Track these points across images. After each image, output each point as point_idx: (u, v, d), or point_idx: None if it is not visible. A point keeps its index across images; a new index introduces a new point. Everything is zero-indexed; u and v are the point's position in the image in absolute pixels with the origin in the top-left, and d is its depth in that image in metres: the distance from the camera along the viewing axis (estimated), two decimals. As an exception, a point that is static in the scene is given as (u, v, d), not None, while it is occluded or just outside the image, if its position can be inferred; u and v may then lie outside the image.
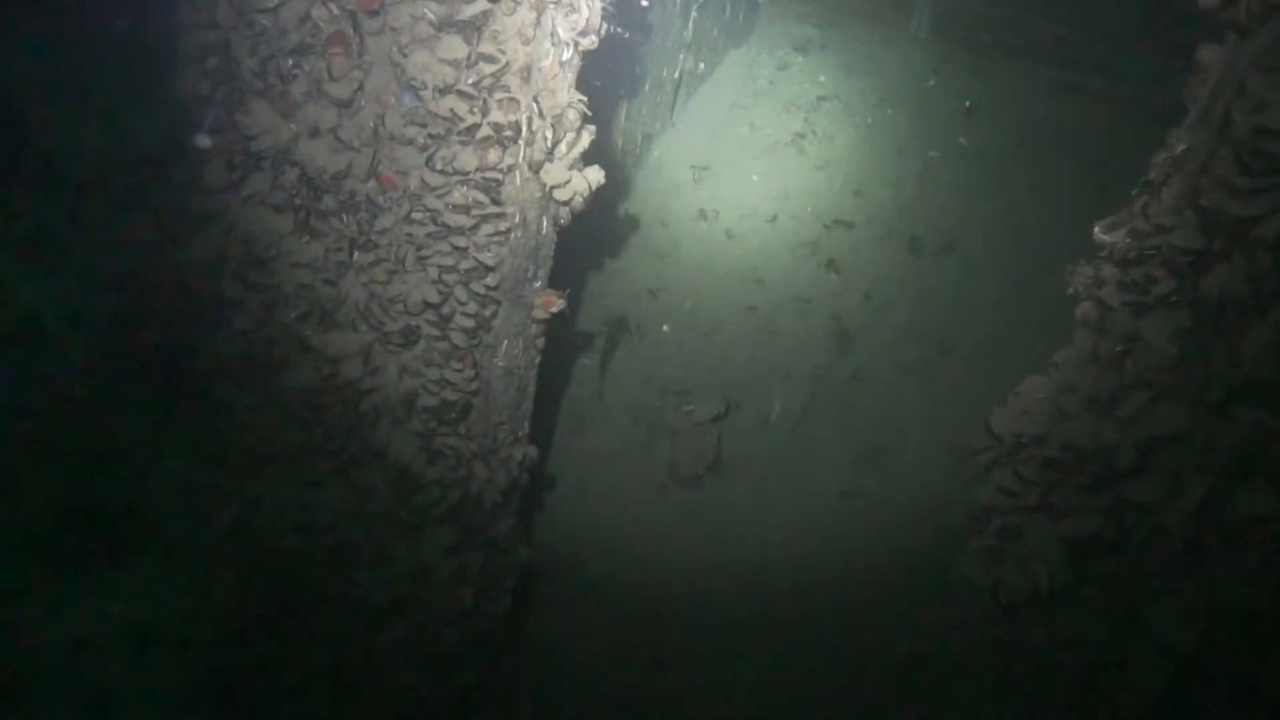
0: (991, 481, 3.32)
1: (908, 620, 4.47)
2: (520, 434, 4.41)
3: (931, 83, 7.34)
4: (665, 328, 6.32)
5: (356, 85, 3.54)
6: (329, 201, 3.68)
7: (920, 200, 6.80)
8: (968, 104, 7.14)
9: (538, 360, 4.28)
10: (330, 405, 3.91)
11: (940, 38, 7.60)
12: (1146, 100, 6.69)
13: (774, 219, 6.78)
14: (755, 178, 6.97)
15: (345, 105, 3.55)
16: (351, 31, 3.47)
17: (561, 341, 5.13)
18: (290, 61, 3.51)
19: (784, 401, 5.92)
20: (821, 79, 7.49)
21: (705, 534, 5.44)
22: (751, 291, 6.45)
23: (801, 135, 7.13)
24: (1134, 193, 3.01)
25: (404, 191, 3.66)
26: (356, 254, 3.84)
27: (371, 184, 3.65)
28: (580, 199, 3.88)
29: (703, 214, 6.81)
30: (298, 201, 3.67)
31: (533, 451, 4.42)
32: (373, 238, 3.75)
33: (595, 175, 3.89)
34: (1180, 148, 2.88)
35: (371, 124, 3.62)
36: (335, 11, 3.44)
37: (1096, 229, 3.05)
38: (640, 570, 5.29)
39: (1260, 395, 2.79)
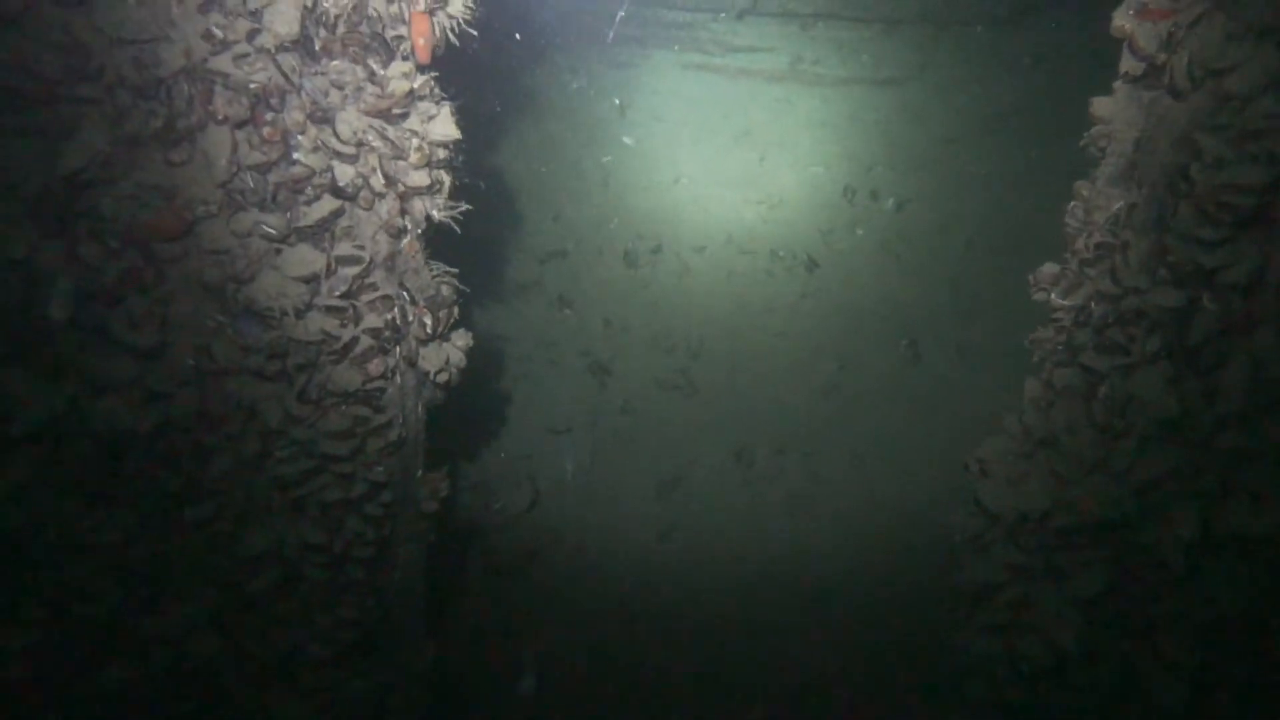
0: (991, 558, 3.22)
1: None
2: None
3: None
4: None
5: (159, 323, 2.73)
6: (134, 463, 2.82)
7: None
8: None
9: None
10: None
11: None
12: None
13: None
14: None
15: (151, 355, 2.74)
16: (144, 263, 2.66)
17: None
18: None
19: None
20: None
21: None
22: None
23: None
24: (1078, 253, 2.95)
25: (252, 426, 2.90)
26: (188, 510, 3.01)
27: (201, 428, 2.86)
28: (456, 372, 3.31)
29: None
30: (90, 475, 2.79)
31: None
32: (207, 486, 2.94)
33: (465, 340, 3.33)
34: (1118, 205, 2.84)
35: (191, 362, 2.83)
36: (115, 246, 2.61)
37: (1053, 296, 2.97)
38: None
39: (1238, 423, 2.84)
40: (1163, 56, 2.62)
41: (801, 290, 7.02)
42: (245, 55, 2.43)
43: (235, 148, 2.57)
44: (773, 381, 6.56)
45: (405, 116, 2.70)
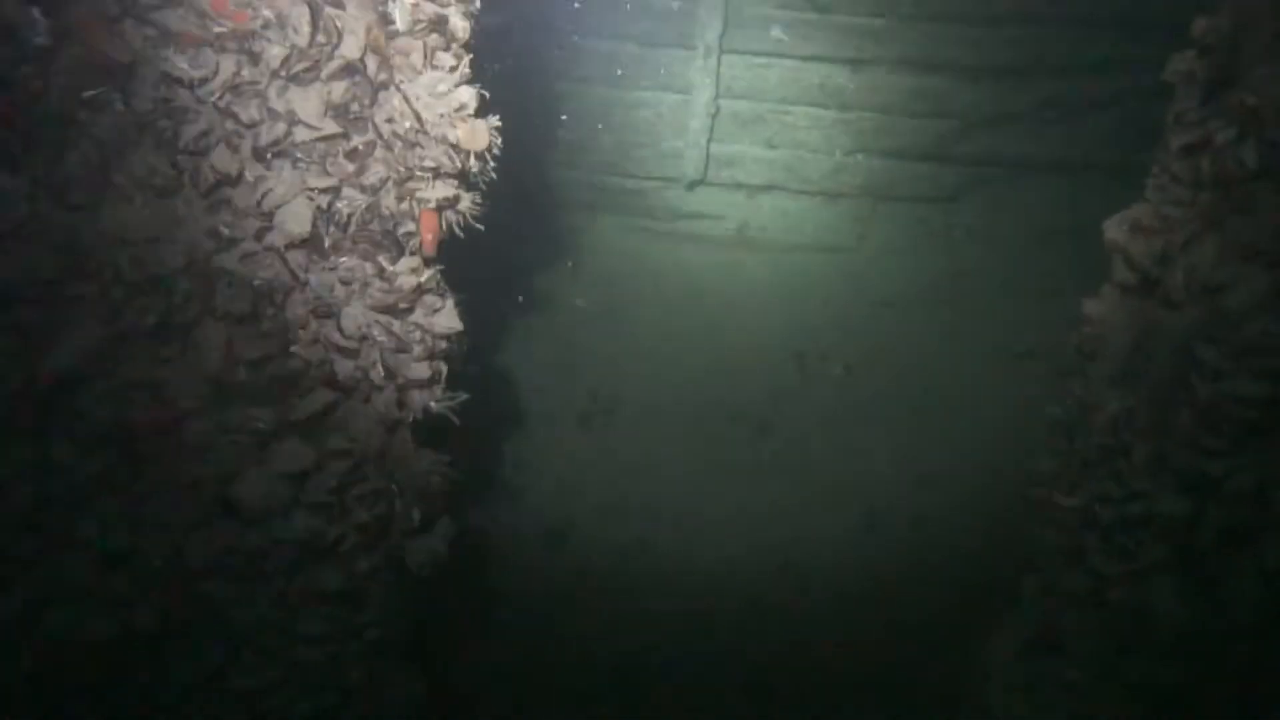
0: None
1: None
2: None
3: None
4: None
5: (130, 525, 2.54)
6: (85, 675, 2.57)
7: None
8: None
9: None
10: None
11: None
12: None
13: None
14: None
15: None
16: (120, 462, 2.48)
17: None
18: None
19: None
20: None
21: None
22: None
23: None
24: (1078, 452, 2.97)
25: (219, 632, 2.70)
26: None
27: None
28: (436, 562, 3.15)
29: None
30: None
31: None
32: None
33: (448, 530, 3.17)
34: (1115, 407, 2.88)
35: (160, 564, 2.63)
36: (91, 445, 2.43)
37: (1055, 495, 2.97)
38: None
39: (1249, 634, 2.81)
40: (1157, 271, 2.70)
41: (754, 456, 6.98)
42: (253, 253, 2.35)
43: (231, 342, 2.45)
44: (726, 551, 6.40)
45: (410, 310, 2.62)
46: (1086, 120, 7.56)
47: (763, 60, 7.40)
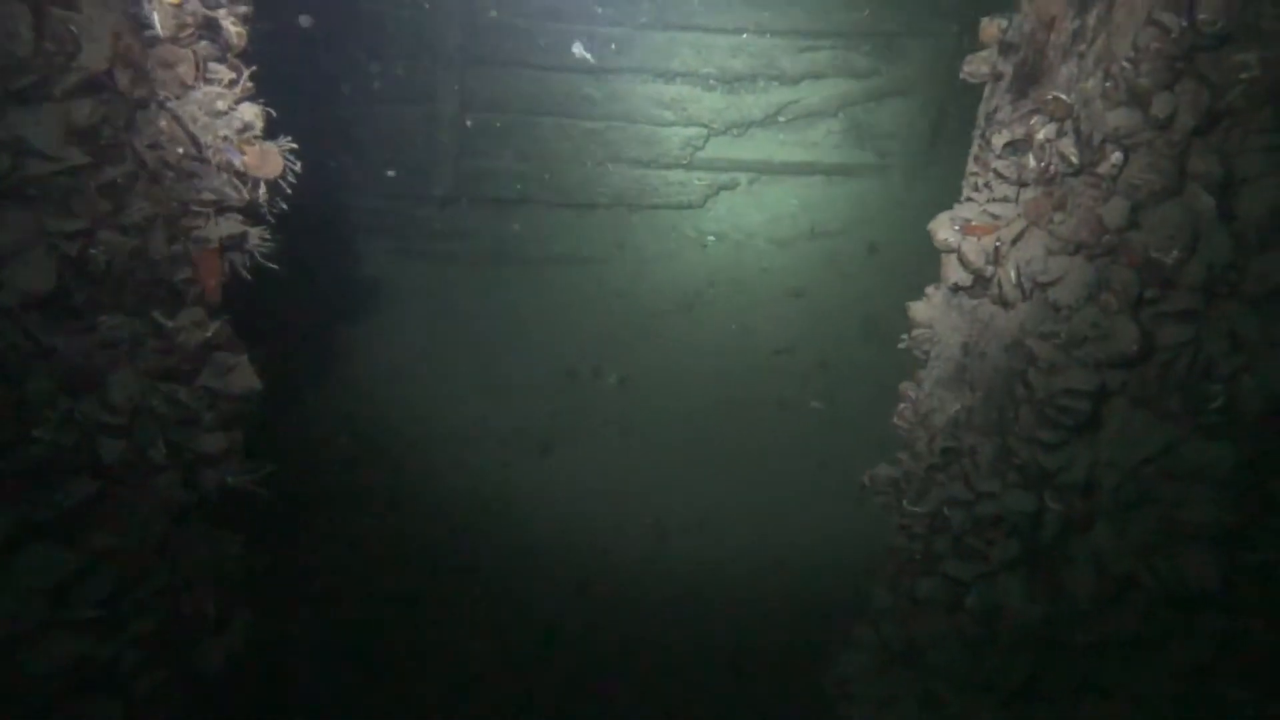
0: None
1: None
2: None
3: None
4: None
5: None
6: None
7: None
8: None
9: None
10: None
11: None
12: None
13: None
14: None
15: None
16: None
17: None
18: None
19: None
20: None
21: None
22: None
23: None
24: (921, 456, 2.93)
25: None
26: None
27: None
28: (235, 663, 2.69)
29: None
30: None
31: None
32: None
33: (245, 622, 2.71)
34: (955, 408, 2.87)
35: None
36: None
37: (905, 501, 2.91)
38: None
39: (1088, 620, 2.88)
40: (990, 269, 2.70)
41: (538, 476, 6.76)
42: (-24, 319, 1.83)
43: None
44: (520, 580, 6.08)
45: (197, 372, 2.17)
46: (815, 126, 7.95)
47: (509, 70, 7.27)
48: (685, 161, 7.73)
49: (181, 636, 2.43)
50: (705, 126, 7.61)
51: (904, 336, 3.07)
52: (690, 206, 7.88)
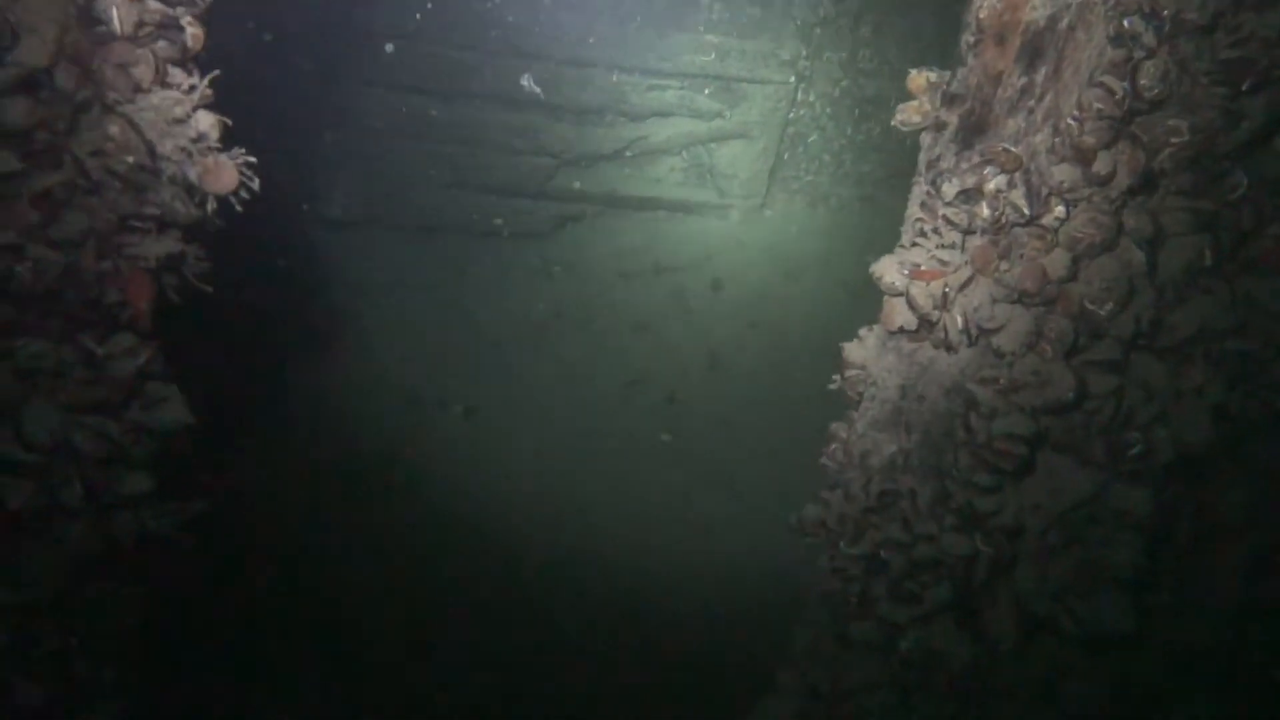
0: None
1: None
2: None
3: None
4: None
5: None
6: None
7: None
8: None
9: None
10: None
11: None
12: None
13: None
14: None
15: None
16: None
17: None
18: None
19: None
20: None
21: None
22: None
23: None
24: (855, 499, 2.92)
25: None
26: None
27: None
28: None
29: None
30: None
31: None
32: None
33: None
34: (892, 449, 2.89)
35: None
36: None
37: (841, 544, 2.89)
38: None
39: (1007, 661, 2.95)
40: (936, 314, 2.74)
41: (385, 511, 6.42)
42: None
43: None
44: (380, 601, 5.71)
45: (127, 405, 1.84)
46: (660, 162, 8.09)
47: (355, 89, 7.03)
48: (534, 190, 7.65)
49: (73, 705, 2.06)
50: (555, 156, 7.55)
51: (835, 378, 3.07)
52: (537, 236, 7.78)
